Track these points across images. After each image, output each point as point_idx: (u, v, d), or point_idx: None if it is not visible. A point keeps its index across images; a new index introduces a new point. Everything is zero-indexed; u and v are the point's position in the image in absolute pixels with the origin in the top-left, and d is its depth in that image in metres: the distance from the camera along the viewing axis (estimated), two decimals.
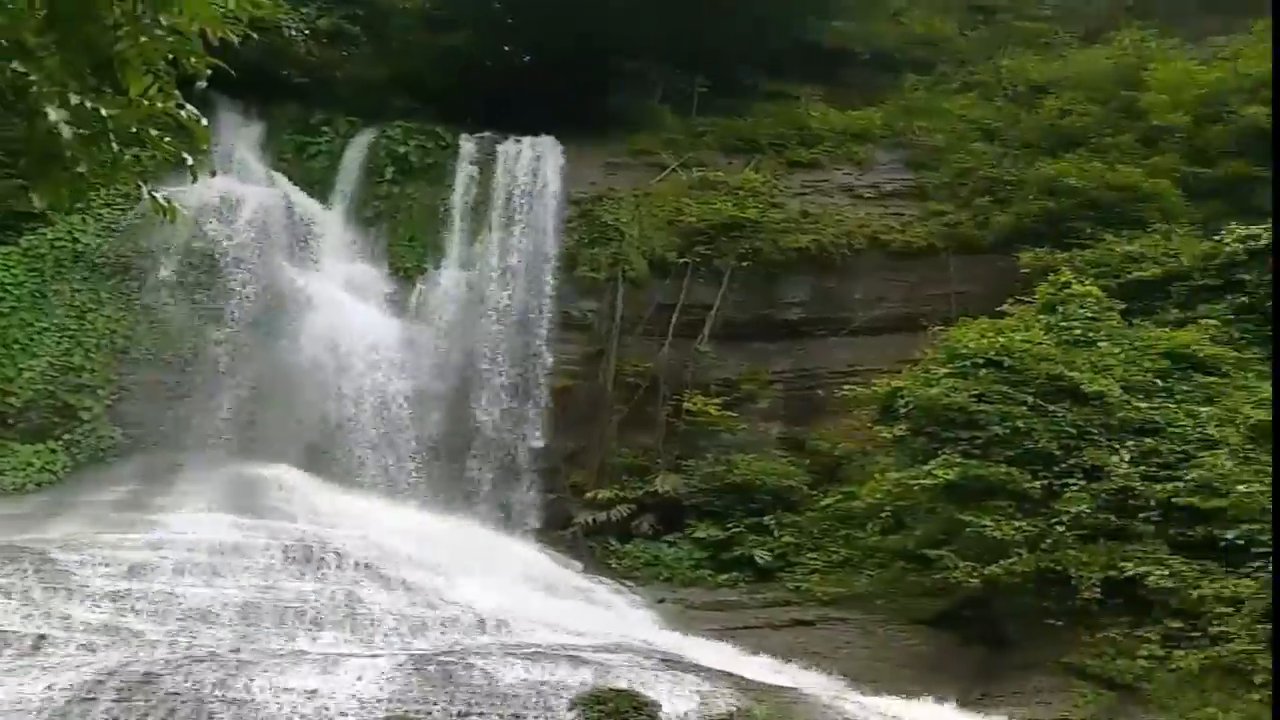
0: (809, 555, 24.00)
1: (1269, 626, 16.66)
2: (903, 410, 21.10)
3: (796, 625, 21.44)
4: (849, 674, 18.49)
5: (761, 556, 24.05)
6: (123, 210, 26.38)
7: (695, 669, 16.22)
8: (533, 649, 16.90)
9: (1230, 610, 17.43)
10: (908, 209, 30.00)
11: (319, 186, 29.67)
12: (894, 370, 23.37)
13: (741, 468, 25.62)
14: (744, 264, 28.36)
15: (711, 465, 26.04)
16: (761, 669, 17.74)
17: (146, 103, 6.49)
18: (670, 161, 30.90)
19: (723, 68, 34.15)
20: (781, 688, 16.24)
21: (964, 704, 17.17)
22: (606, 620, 20.41)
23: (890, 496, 21.19)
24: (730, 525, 24.94)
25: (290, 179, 29.48)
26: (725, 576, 24.06)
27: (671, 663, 16.47)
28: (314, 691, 14.11)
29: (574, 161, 29.98)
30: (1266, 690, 16.09)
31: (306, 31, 30.48)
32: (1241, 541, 18.11)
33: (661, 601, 22.51)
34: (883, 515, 22.30)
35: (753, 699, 15.12)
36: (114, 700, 13.59)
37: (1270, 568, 17.29)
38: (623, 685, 14.87)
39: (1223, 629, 17.28)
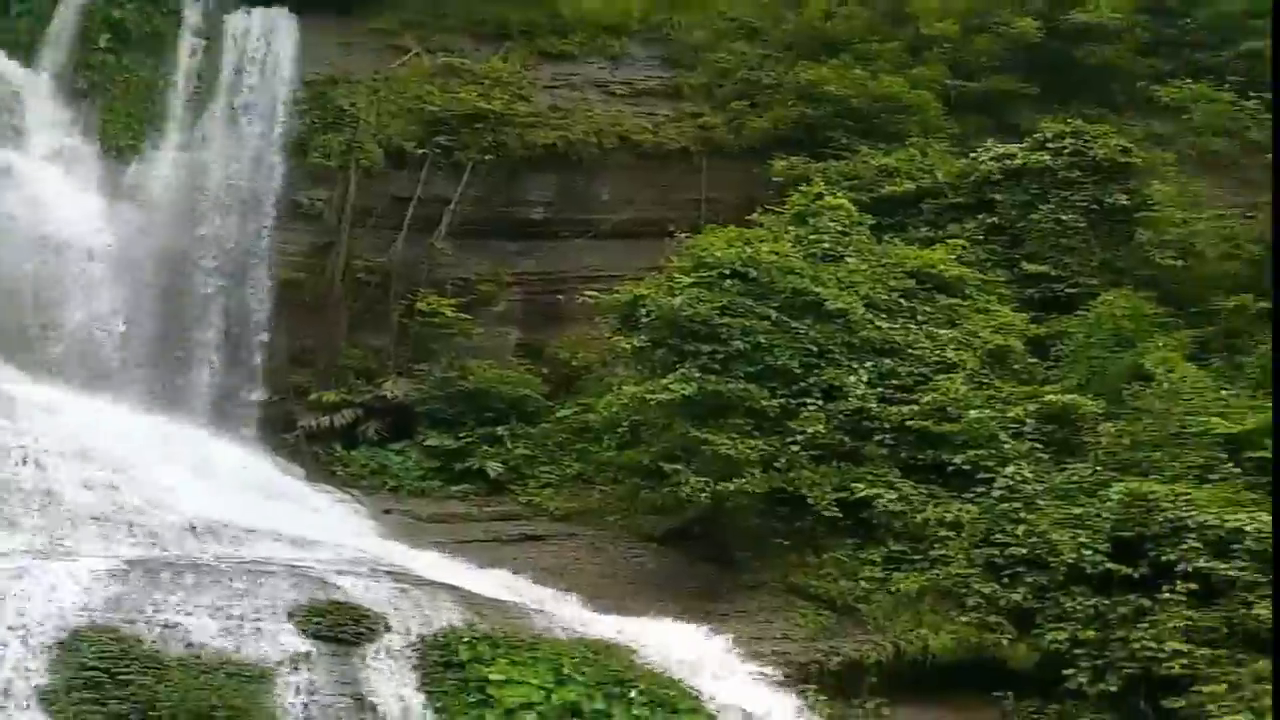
0: (543, 469, 23.77)
1: (986, 550, 17.47)
2: (644, 320, 20.62)
3: (526, 540, 21.40)
4: (577, 590, 18.26)
5: (493, 468, 23.68)
6: None
7: (419, 582, 16.12)
8: (250, 559, 16.60)
9: (951, 534, 17.99)
10: (661, 108, 29.30)
11: (23, 50, 27.12)
12: (638, 277, 22.77)
13: (476, 374, 25.06)
14: (486, 158, 27.35)
15: (445, 370, 25.34)
16: (489, 584, 17.61)
17: None
18: (413, 44, 29.42)
19: None
20: (505, 603, 16.21)
21: (688, 620, 17.06)
22: (328, 530, 19.80)
23: (627, 410, 20.91)
24: (462, 435, 24.42)
25: None
26: (455, 488, 23.76)
27: (395, 575, 16.38)
28: (17, 595, 13.65)
29: (309, 39, 28.20)
30: (977, 614, 16.97)
31: None
32: (968, 467, 18.67)
33: (388, 512, 22.18)
34: (619, 429, 22.09)
35: (475, 613, 15.16)
36: None
37: (993, 493, 18.17)
38: (343, 598, 14.78)
39: (942, 552, 17.82)
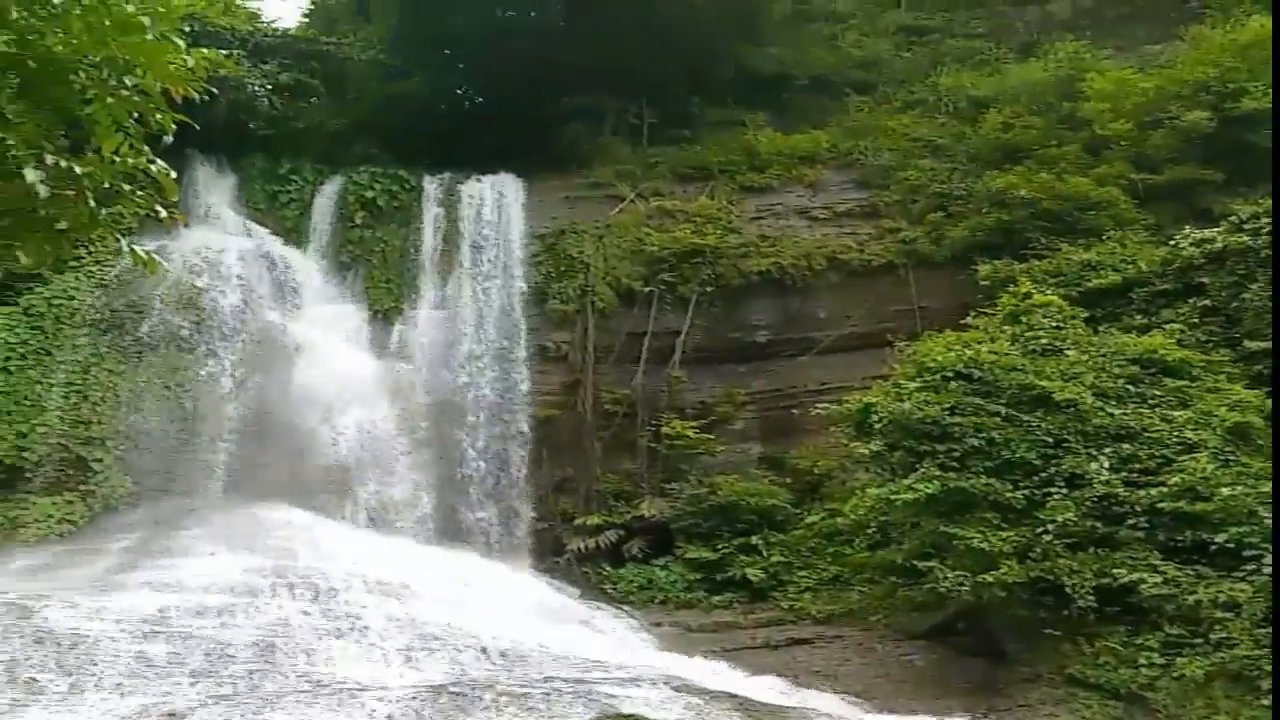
0: (800, 573, 24.13)
1: (1269, 630, 16.43)
2: (877, 426, 20.95)
3: (794, 644, 21.39)
4: (851, 691, 18.63)
5: (754, 575, 24.15)
6: (111, 266, 26.78)
7: (700, 692, 16.36)
8: (540, 677, 17.17)
9: (1230, 615, 17.20)
10: (862, 228, 30.37)
11: (293, 234, 30.20)
12: (865, 387, 23.51)
13: (725, 489, 25.85)
14: (708, 289, 28.84)
15: (695, 488, 26.32)
16: (764, 689, 17.99)
17: (118, 159, 6.76)
18: (626, 192, 31.24)
19: (668, 98, 34.71)
20: (784, 708, 16.52)
21: (970, 717, 17.31)
22: (608, 646, 20.58)
23: (874, 512, 21.26)
24: (719, 546, 25.08)
25: (265, 228, 30.02)
26: (719, 597, 24.20)
27: (676, 686, 16.61)
28: None
29: (535, 196, 30.52)
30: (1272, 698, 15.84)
31: (269, 87, 31.51)
32: (1232, 545, 17.86)
33: (659, 625, 22.65)
34: (868, 530, 22.63)
35: (757, 719, 15.43)
36: None
37: (1264, 570, 17.16)
38: (631, 710, 15.04)
39: (1224, 635, 17.03)
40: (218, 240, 27.41)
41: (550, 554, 26.50)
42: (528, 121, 31.71)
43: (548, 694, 15.49)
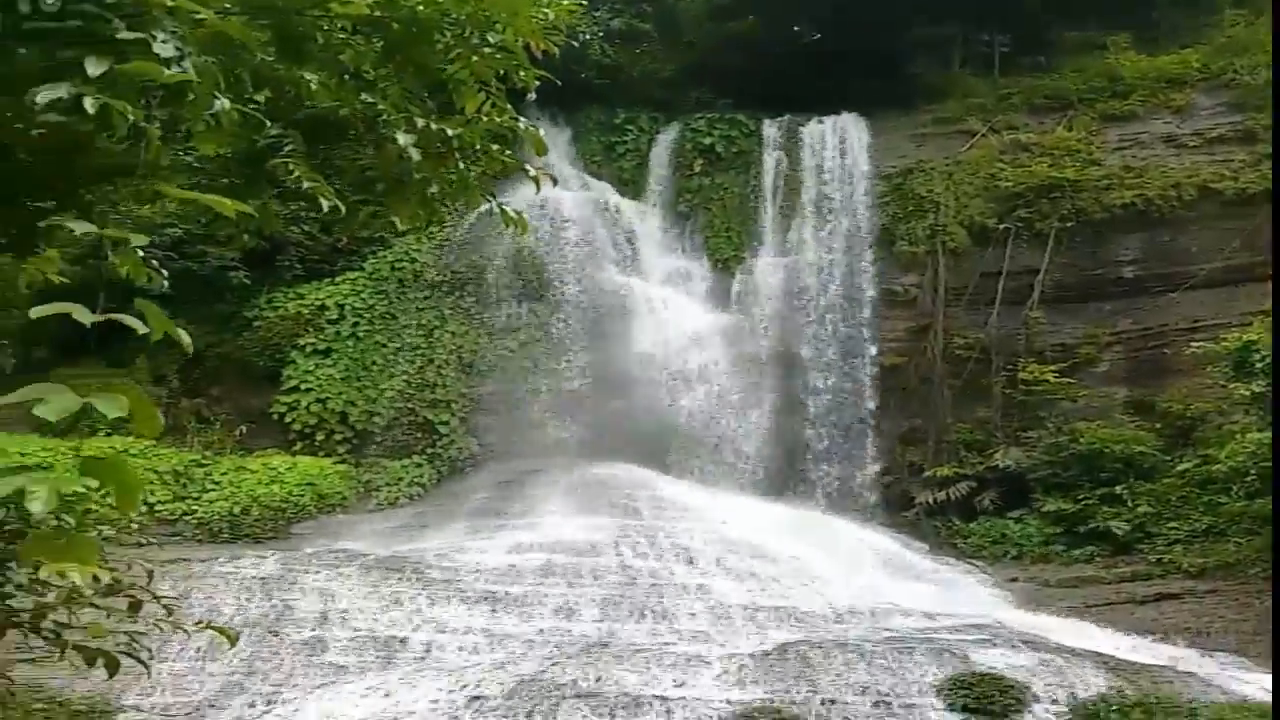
0: (1169, 524, 22.82)
1: None
2: (1259, 365, 19.72)
3: (1161, 599, 20.51)
4: (1225, 650, 17.67)
5: (1118, 528, 22.96)
6: (452, 228, 27.48)
7: (1058, 649, 15.88)
8: (890, 635, 16.82)
9: None
10: (1237, 154, 28.17)
11: (630, 185, 30.42)
12: (1244, 323, 22.19)
13: (1087, 436, 24.58)
14: (1067, 225, 27.35)
15: (1054, 435, 25.18)
16: (1128, 647, 17.17)
17: (484, 119, 6.65)
18: (978, 127, 29.97)
19: (1023, 23, 33.04)
20: (1151, 667, 15.64)
21: None
22: (959, 602, 20.05)
23: (1254, 458, 19.98)
24: (1080, 497, 23.90)
25: (602, 181, 30.27)
26: (1079, 551, 23.20)
27: (1033, 644, 16.05)
28: (681, 684, 14.44)
29: (879, 135, 29.70)
30: None
31: (601, 34, 31.37)
32: None
33: (1014, 580, 22.01)
34: (1247, 478, 20.97)
35: (1122, 679, 14.70)
36: (502, 699, 14.19)
37: None
38: (986, 669, 14.68)
39: None
40: (555, 195, 27.47)
41: (897, 508, 25.98)
42: (869, 58, 30.70)
43: (898, 651, 15.23)
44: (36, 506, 3.18)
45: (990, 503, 24.97)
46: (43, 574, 3.61)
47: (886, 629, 17.53)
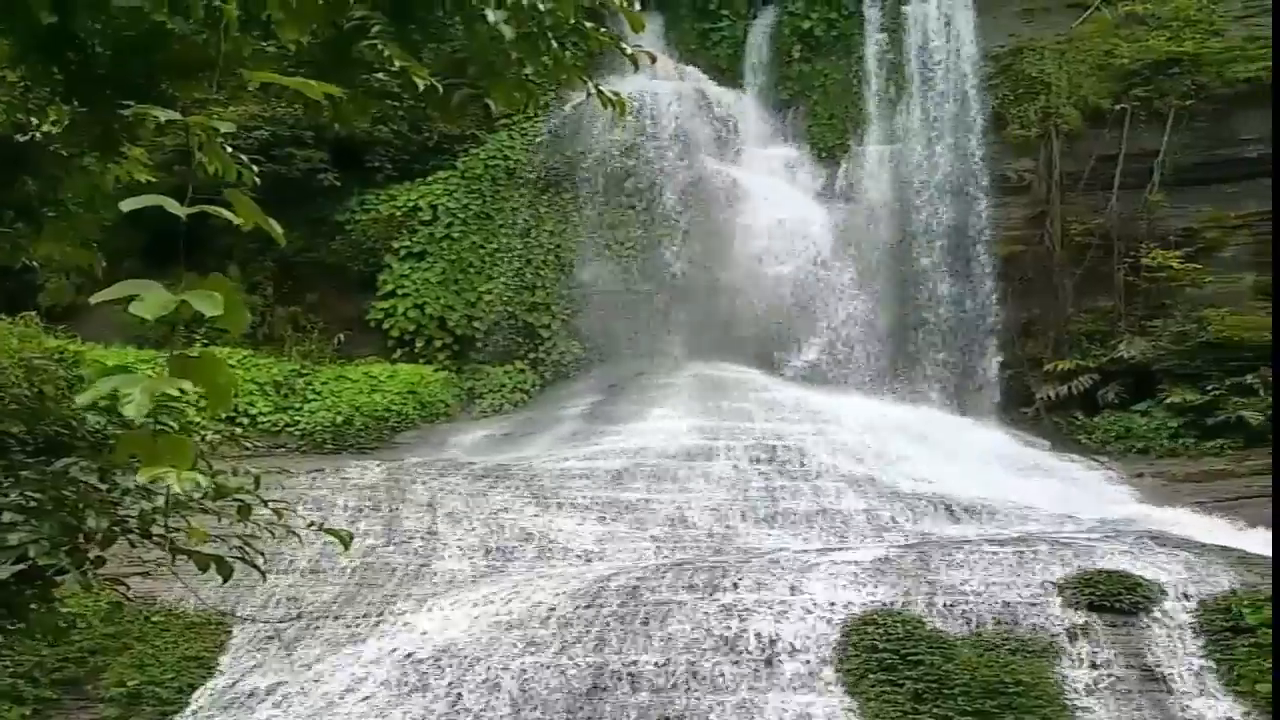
0: None
1: None
2: None
3: None
4: None
5: (1251, 418, 22.08)
6: (544, 121, 26.87)
7: (1186, 545, 15.43)
8: (1011, 533, 16.67)
9: None
10: None
11: (727, 74, 29.35)
12: None
13: (1215, 324, 23.63)
14: (1188, 103, 25.82)
15: (1180, 324, 24.23)
16: (1261, 542, 16.47)
17: None
18: (1090, 0, 28.46)
19: None
20: None
21: None
22: (1083, 499, 19.61)
23: None
24: (1209, 387, 23.06)
25: (697, 69, 29.22)
26: (1209, 444, 22.47)
27: (1161, 540, 15.72)
28: (794, 589, 14.32)
29: (985, 13, 28.20)
30: None
31: None
32: None
33: (1139, 476, 21.42)
34: None
35: (1256, 574, 14.17)
36: (617, 606, 14.26)
37: None
38: (1112, 567, 14.35)
39: None
40: (649, 85, 26.58)
41: (1017, 403, 25.26)
42: None
43: (1020, 550, 15.03)
44: (130, 410, 3.10)
45: (1114, 396, 24.21)
46: (140, 478, 3.55)
47: (1007, 528, 17.30)
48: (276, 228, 3.50)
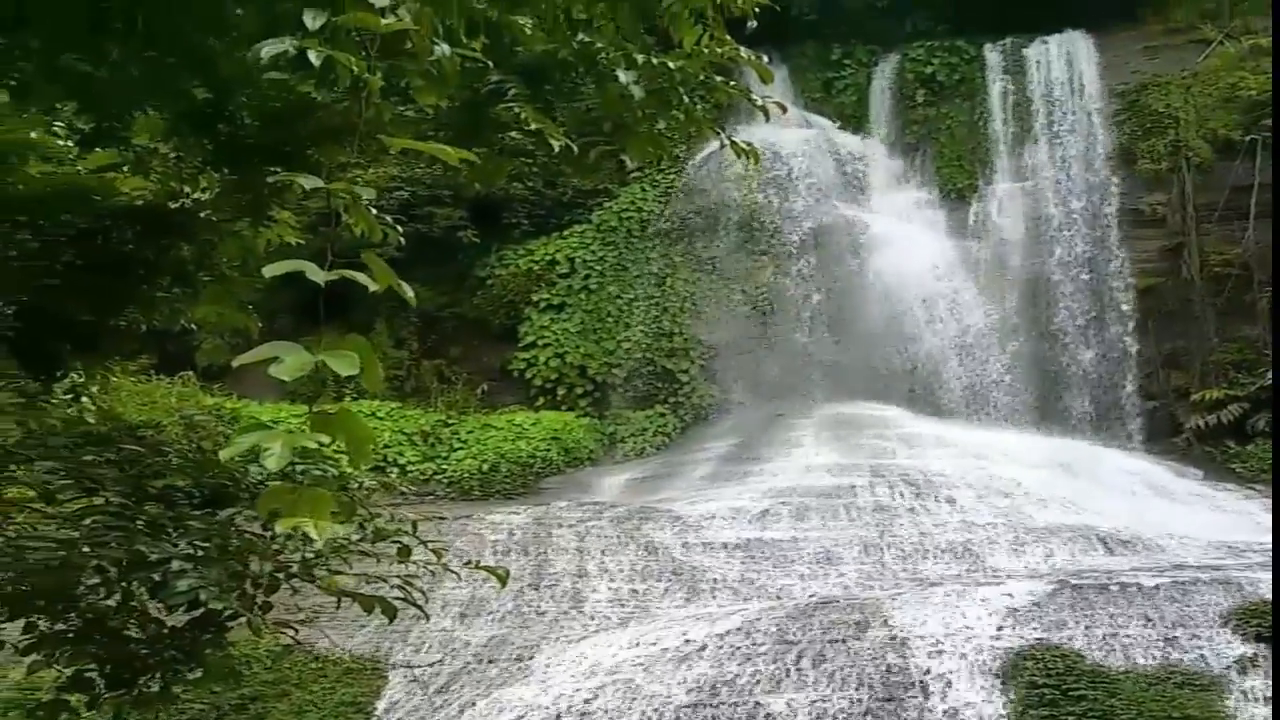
0: None
1: None
2: None
3: None
4: None
5: None
6: (676, 174, 27.40)
7: None
8: (1168, 566, 16.27)
9: None
10: None
11: (852, 120, 29.82)
12: None
13: None
14: None
15: None
16: None
17: (705, 50, 6.52)
18: (1213, 35, 28.51)
19: None
20: None
21: None
22: (1240, 528, 19.05)
23: None
24: None
25: (823, 117, 29.66)
26: None
27: None
28: (948, 624, 14.07)
29: (1108, 51, 28.44)
30: None
31: None
32: None
33: None
34: None
35: None
36: (771, 644, 14.10)
37: None
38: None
39: None
40: (776, 135, 26.76)
41: (1165, 434, 24.89)
42: None
43: (1179, 582, 14.67)
44: (271, 463, 3.25)
45: (1265, 424, 23.61)
46: (279, 528, 3.55)
47: (1164, 559, 16.88)
48: (408, 290, 3.65)
